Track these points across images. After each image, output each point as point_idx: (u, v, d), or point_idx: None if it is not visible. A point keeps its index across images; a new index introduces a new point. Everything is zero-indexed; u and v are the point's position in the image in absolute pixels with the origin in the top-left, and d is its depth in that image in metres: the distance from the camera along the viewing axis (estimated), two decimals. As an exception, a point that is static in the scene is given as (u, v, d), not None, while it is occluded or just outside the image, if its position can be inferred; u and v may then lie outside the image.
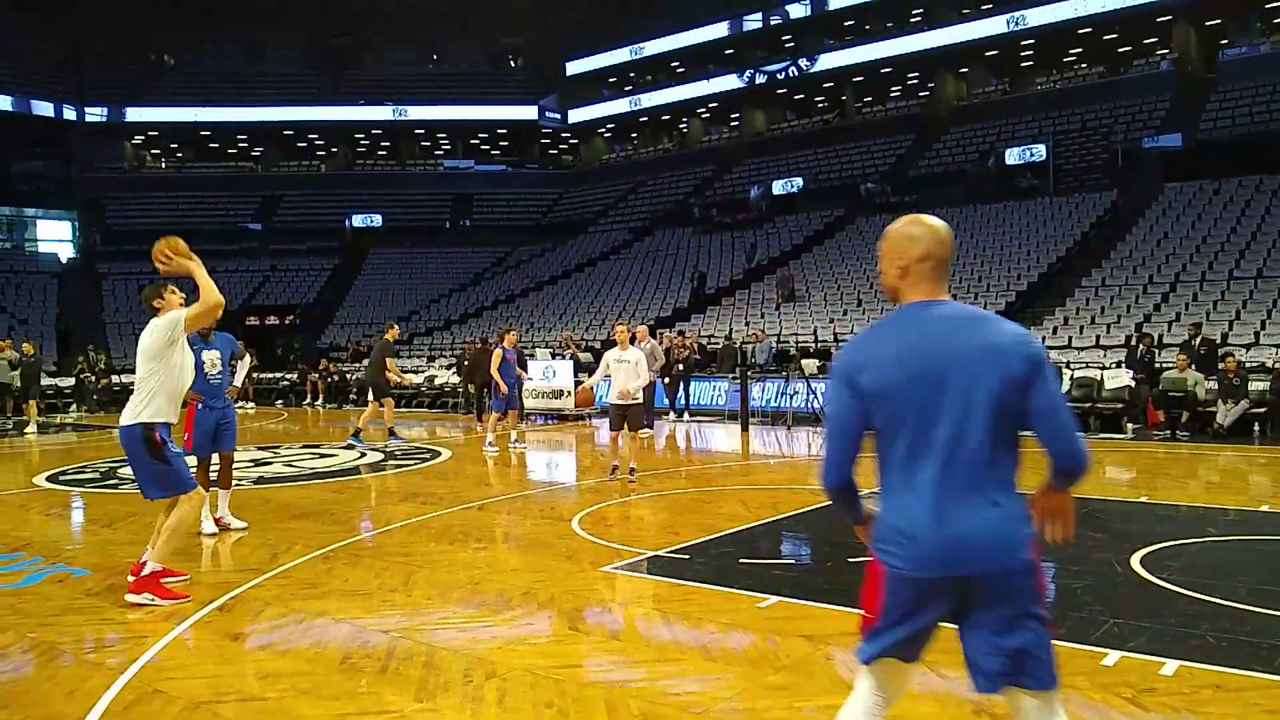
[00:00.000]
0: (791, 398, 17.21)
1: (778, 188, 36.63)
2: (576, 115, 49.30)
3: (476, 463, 12.78)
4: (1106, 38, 35.50)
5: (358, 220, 44.92)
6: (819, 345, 21.15)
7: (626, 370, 10.40)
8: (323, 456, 13.44)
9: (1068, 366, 15.77)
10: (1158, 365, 14.60)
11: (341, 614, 5.53)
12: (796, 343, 21.26)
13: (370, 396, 15.52)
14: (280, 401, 27.35)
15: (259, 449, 14.64)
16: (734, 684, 4.39)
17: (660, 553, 6.96)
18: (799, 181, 36.42)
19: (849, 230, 31.19)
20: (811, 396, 16.77)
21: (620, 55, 47.21)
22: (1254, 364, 14.25)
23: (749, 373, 17.76)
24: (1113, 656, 4.57)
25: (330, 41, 49.54)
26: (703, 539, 7.40)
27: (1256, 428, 13.27)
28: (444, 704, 4.19)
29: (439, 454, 13.60)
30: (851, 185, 34.53)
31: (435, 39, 50.36)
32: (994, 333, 2.51)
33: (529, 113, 49.46)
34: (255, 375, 26.37)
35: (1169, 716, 3.95)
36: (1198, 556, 6.69)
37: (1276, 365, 13.26)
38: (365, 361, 26.60)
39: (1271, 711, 3.95)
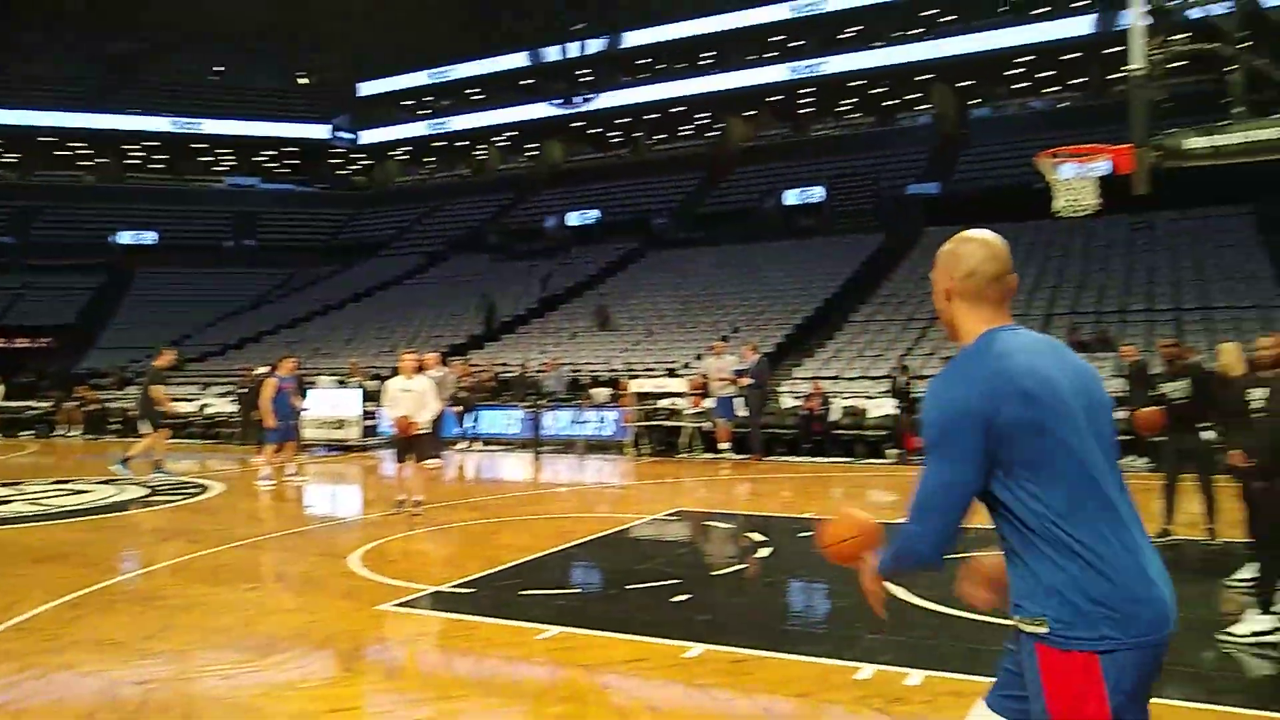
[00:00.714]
0: (583, 426, 17.40)
1: (574, 219, 37.09)
2: (369, 136, 48.10)
3: (250, 498, 12.12)
4: (873, 92, 38.41)
5: (127, 236, 41.73)
6: (611, 374, 21.51)
7: (412, 399, 10.18)
8: (76, 493, 12.34)
9: (838, 396, 16.81)
10: (914, 395, 15.82)
11: (88, 667, 5.10)
12: (591, 372, 21.54)
13: (141, 427, 14.32)
14: (28, 433, 24.87)
15: (-1, 486, 13.26)
16: (511, 718, 4.39)
17: (443, 588, 6.85)
18: (595, 214, 37.03)
19: (642, 263, 31.98)
20: (602, 425, 17.03)
21: (418, 79, 46.56)
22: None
23: (541, 402, 17.82)
24: (866, 670, 4.89)
25: (106, 45, 45.97)
26: (488, 571, 7.34)
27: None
28: (200, 758, 3.95)
29: (208, 488, 12.80)
30: (644, 219, 35.47)
31: (223, 51, 47.82)
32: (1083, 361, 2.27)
33: (320, 132, 47.80)
34: (-1, 403, 23.89)
35: (912, 724, 4.28)
36: (944, 573, 7.25)
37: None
38: (132, 389, 24.64)
39: (999, 714, 4.35)
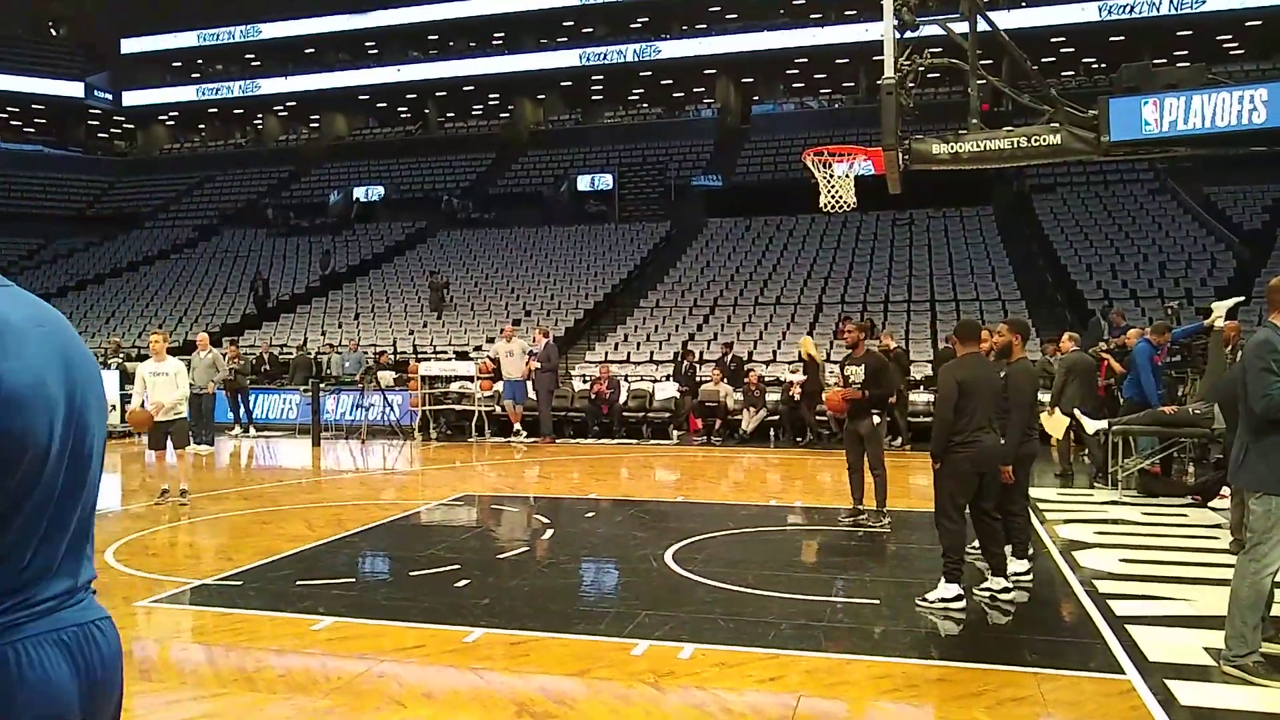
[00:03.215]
0: (367, 410, 16.91)
1: (359, 194, 35.77)
2: (133, 98, 44.27)
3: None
4: (663, 83, 39.32)
5: None
6: (398, 357, 20.98)
7: (164, 383, 9.56)
8: None
9: (625, 380, 17.18)
10: (698, 379, 16.44)
11: None
12: (376, 354, 20.93)
13: None
14: None
15: None
16: (280, 713, 4.26)
17: (209, 581, 6.52)
18: (380, 190, 35.87)
19: (430, 243, 31.31)
20: (388, 409, 16.60)
21: (187, 39, 43.26)
22: (771, 378, 16.57)
23: (323, 385, 17.16)
24: (641, 646, 5.09)
25: None
26: (259, 562, 7.05)
27: (772, 433, 15.45)
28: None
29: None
30: (434, 198, 34.73)
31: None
32: None
33: (74, 89, 43.49)
34: None
35: (683, 694, 4.50)
36: (719, 548, 7.64)
37: (787, 380, 15.54)
38: None
39: (762, 680, 4.66)
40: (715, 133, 36.36)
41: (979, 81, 7.33)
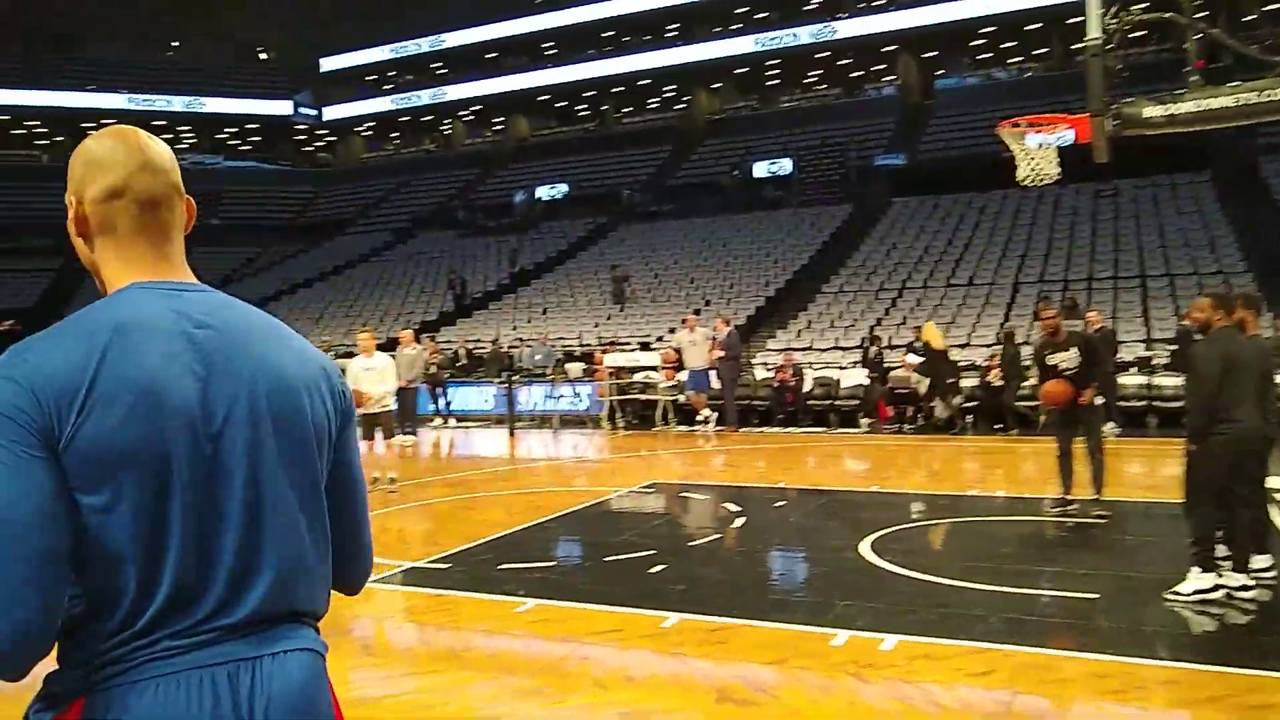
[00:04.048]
0: (557, 401, 17.40)
1: (542, 193, 36.86)
2: (333, 112, 47.40)
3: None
4: (840, 63, 38.37)
5: (84, 217, 41.01)
6: (584, 349, 21.48)
7: (372, 378, 10.16)
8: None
9: (810, 367, 16.90)
10: (887, 365, 15.96)
11: None
12: (563, 347, 21.52)
13: None
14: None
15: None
16: (489, 692, 4.42)
17: (419, 563, 6.86)
18: (564, 188, 36.82)
19: (611, 237, 31.88)
20: (577, 399, 17.03)
21: (380, 53, 45.88)
22: (966, 363, 15.87)
23: (515, 377, 17.79)
24: (841, 636, 4.97)
25: (49, 23, 44.85)
26: (464, 547, 7.35)
27: (969, 419, 14.78)
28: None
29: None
30: (613, 193, 35.32)
31: (172, 28, 46.81)
32: None
33: (282, 108, 47.02)
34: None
35: (887, 686, 4.36)
36: (917, 539, 7.39)
37: (984, 364, 14.83)
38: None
39: (973, 674, 4.45)
40: (897, 110, 35.17)
41: (1196, 35, 6.72)
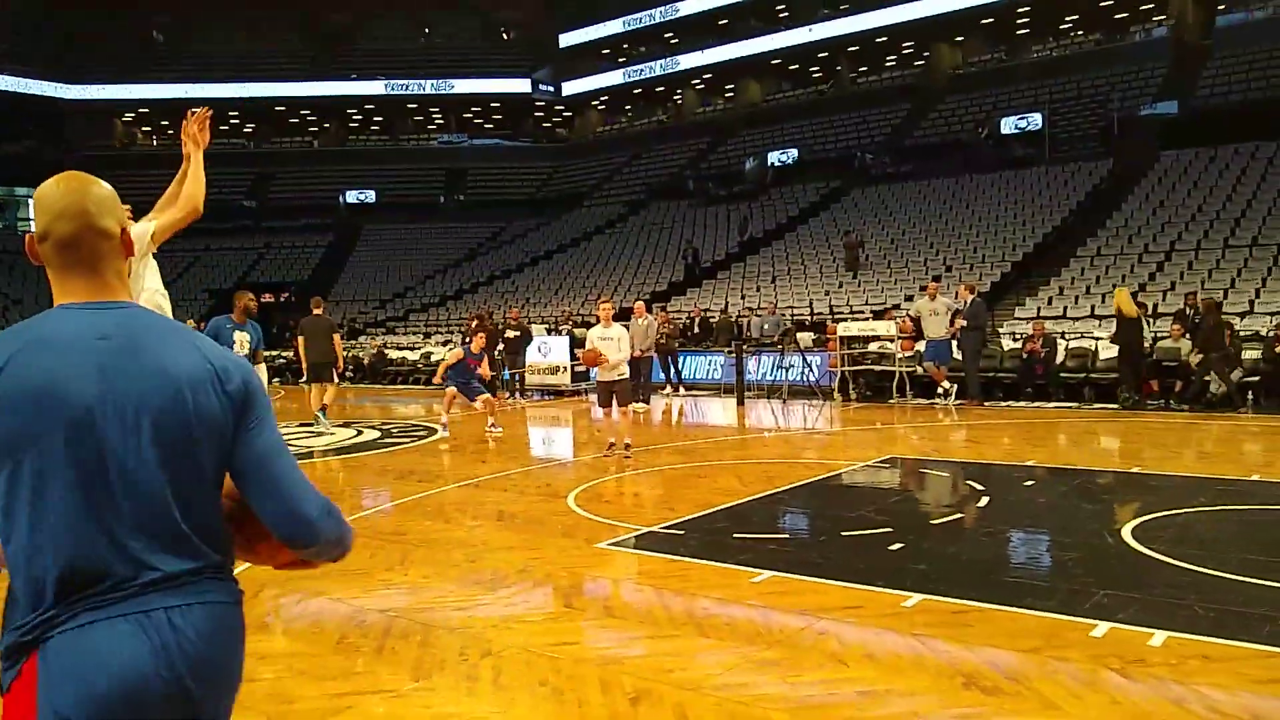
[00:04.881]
0: (787, 371, 17.23)
1: (773, 159, 36.45)
2: (570, 88, 48.97)
3: (472, 440, 12.80)
4: (1103, 5, 35.25)
5: (351, 196, 44.78)
6: (815, 318, 21.14)
7: (609, 347, 10.47)
8: (318, 435, 13.46)
9: (1063, 337, 15.79)
10: (1157, 336, 14.62)
11: (338, 594, 5.56)
12: (793, 316, 21.27)
13: (319, 377, 14.04)
14: (276, 380, 27.32)
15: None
16: (727, 660, 4.43)
17: (655, 528, 7.00)
18: (794, 153, 36.24)
19: (845, 202, 31.09)
20: (807, 369, 16.78)
21: (613, 27, 46.82)
22: (1249, 333, 14.27)
23: (745, 346, 17.78)
24: (1102, 627, 4.61)
25: (323, 17, 49.07)
26: (697, 514, 7.43)
27: (1250, 396, 13.31)
28: (440, 683, 4.22)
29: (434, 432, 13.62)
30: (847, 156, 34.37)
31: (427, 13, 49.92)
32: None
33: (522, 85, 49.10)
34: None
35: (1156, 686, 4.00)
36: (1188, 527, 6.73)
37: (1270, 334, 13.28)
38: (363, 339, 26.52)
39: (1259, 681, 4.00)
40: (1168, 54, 31.89)
41: None
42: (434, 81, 48.56)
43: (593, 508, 7.81)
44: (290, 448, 2.09)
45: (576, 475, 9.67)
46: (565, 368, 19.12)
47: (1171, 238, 20.31)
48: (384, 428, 14.12)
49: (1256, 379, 13.20)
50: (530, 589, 5.61)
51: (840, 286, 23.40)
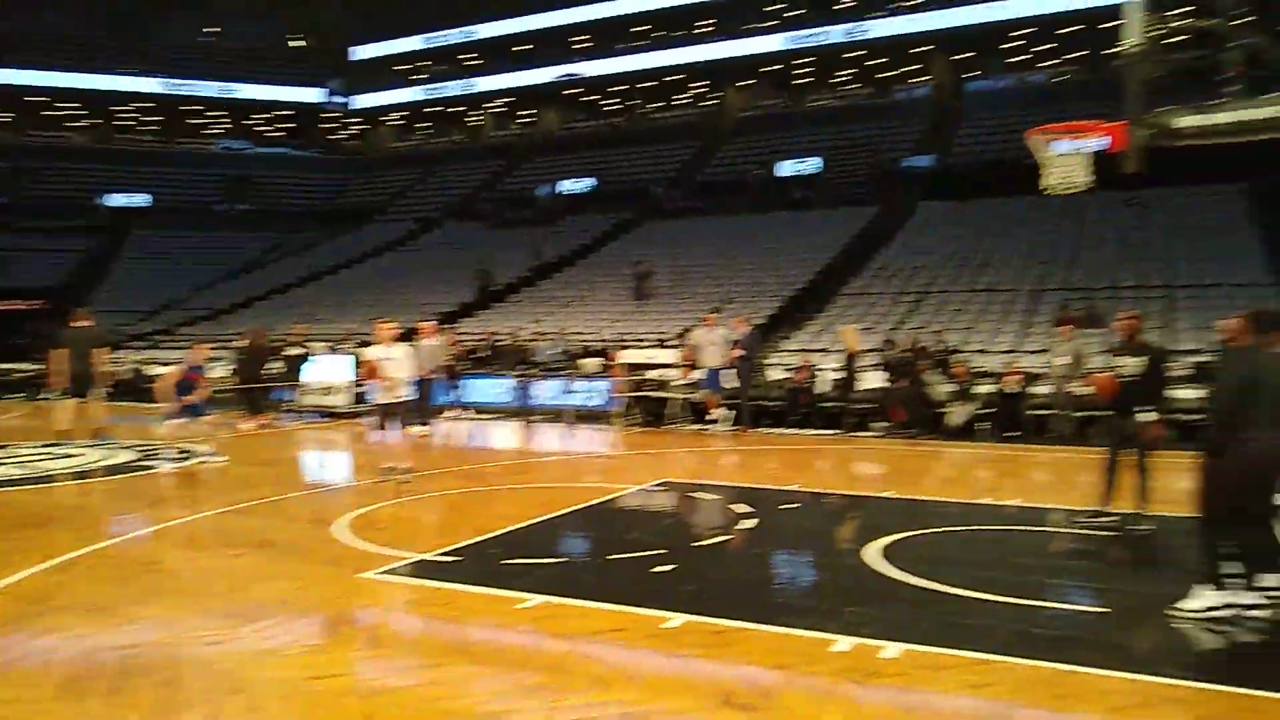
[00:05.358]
0: (572, 396, 17.42)
1: (567, 187, 36.90)
2: (363, 100, 47.71)
3: (240, 463, 12.13)
4: (873, 62, 38.18)
5: (119, 198, 41.49)
6: (602, 345, 21.49)
7: (391, 367, 10.23)
8: (65, 456, 12.35)
9: (827, 369, 16.81)
10: (904, 369, 15.83)
11: (74, 631, 5.14)
12: (581, 342, 21.54)
13: (81, 392, 13.25)
14: (16, 395, 24.80)
15: (-12, 448, 13.26)
16: (494, 686, 4.44)
17: (428, 555, 6.90)
18: (589, 182, 36.84)
19: (637, 233, 31.87)
20: (591, 395, 17.04)
21: (412, 43, 46.08)
22: (984, 369, 15.75)
23: (531, 371, 17.84)
24: (844, 643, 4.96)
25: (104, 3, 45.29)
26: (473, 540, 7.39)
27: (984, 426, 14.68)
28: (182, 722, 3.99)
29: (198, 453, 12.80)
30: (640, 188, 35.30)
31: (217, 12, 47.21)
32: None
33: (313, 95, 47.36)
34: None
35: (889, 695, 4.35)
36: (926, 547, 7.33)
37: (1001, 370, 14.71)
38: (128, 352, 24.53)
39: (976, 685, 4.43)
40: (928, 112, 34.98)
41: (1234, 44, 6.62)
42: (219, 84, 45.96)
43: (365, 535, 7.60)
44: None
45: (350, 501, 9.37)
46: (345, 388, 18.48)
47: (926, 281, 22.14)
48: (141, 449, 13.13)
49: (993, 411, 14.57)
50: (291, 620, 5.39)
51: (627, 315, 23.94)
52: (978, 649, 4.86)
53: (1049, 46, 35.15)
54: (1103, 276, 20.33)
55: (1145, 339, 8.18)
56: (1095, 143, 8.59)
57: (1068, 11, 32.37)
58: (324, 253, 37.47)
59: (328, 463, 13.46)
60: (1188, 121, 6.61)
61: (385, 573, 6.44)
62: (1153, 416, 7.82)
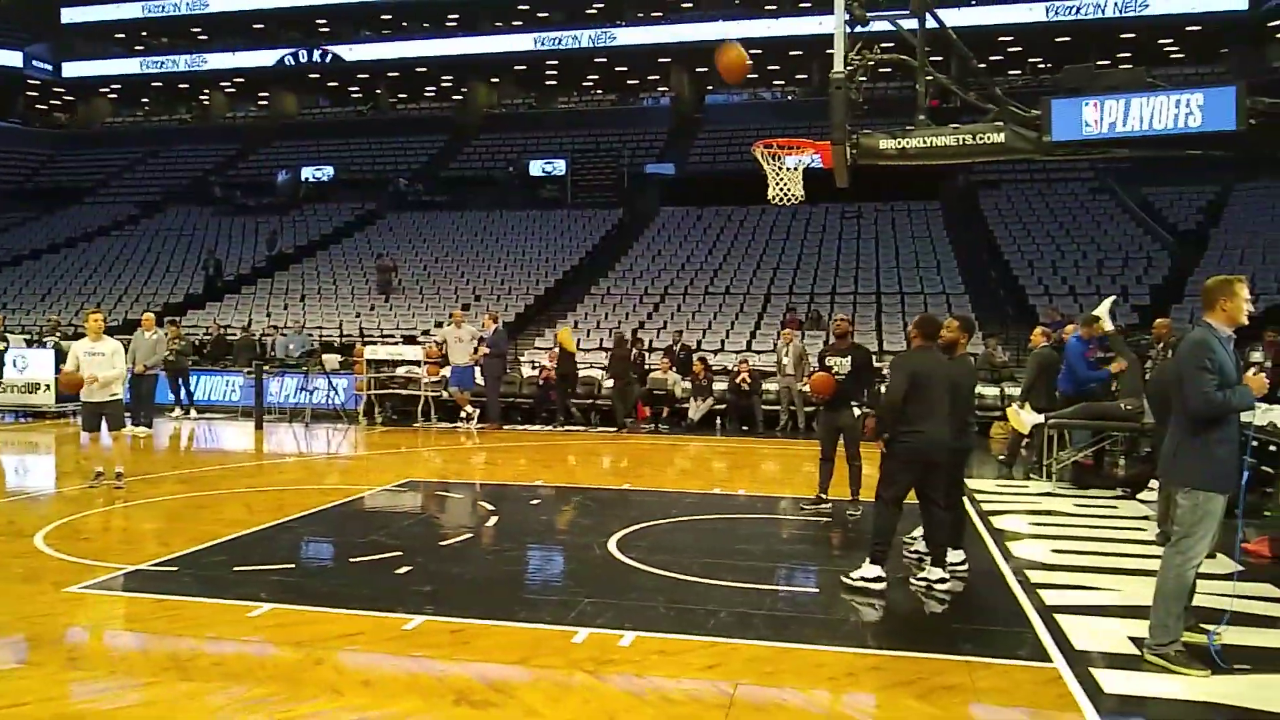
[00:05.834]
0: (311, 394, 16.68)
1: (308, 174, 35.18)
2: (74, 69, 43.03)
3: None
4: (619, 69, 39.20)
5: None
6: (344, 340, 20.72)
7: (100, 363, 9.39)
8: None
9: (577, 367, 17.13)
10: (646, 367, 16.47)
11: None
12: (321, 336, 20.66)
13: None
14: None
15: None
16: (213, 702, 4.20)
17: (143, 566, 6.40)
18: (330, 170, 35.31)
19: (379, 225, 30.93)
20: (333, 392, 16.39)
21: (130, 10, 42.05)
22: (719, 367, 16.66)
23: (266, 366, 16.90)
24: (582, 633, 5.11)
25: None
26: (196, 548, 6.93)
27: (719, 421, 15.54)
28: None
29: None
30: (384, 179, 34.28)
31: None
32: None
33: (13, 59, 42.13)
34: None
35: (621, 682, 4.53)
36: (662, 536, 7.68)
37: (734, 369, 15.64)
38: None
39: (703, 668, 4.70)
40: (669, 121, 36.42)
41: (927, 78, 7.40)
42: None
43: (68, 547, 6.93)
44: None
45: (52, 510, 8.50)
46: (48, 385, 16.68)
47: (666, 282, 23.06)
48: None
49: (724, 407, 15.44)
50: (-24, 645, 4.84)
51: (372, 309, 23.22)
52: (706, 633, 5.16)
53: (778, 67, 37.57)
54: (824, 282, 22.01)
55: (854, 341, 8.97)
56: (809, 159, 9.32)
57: (795, 36, 34.67)
58: (29, 234, 33.56)
59: (27, 467, 12.12)
60: (885, 144, 7.30)
61: (92, 586, 5.91)
62: (859, 412, 8.63)
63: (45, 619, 5.33)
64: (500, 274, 24.98)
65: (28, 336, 19.92)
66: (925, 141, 7.12)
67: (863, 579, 6.01)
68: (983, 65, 8.28)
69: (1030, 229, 24.24)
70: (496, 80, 40.17)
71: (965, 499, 7.25)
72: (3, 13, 43.49)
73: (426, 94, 42.29)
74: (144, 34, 43.16)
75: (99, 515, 8.30)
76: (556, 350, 16.09)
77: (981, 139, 7.24)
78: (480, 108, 39.66)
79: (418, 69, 40.00)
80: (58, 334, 19.77)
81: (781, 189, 8.31)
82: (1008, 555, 7.03)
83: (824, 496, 8.71)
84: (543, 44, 37.86)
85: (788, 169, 8.82)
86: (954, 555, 6.48)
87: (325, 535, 7.87)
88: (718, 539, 7.84)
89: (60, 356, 16.13)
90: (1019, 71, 35.00)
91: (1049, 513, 8.72)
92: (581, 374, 16.64)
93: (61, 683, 4.42)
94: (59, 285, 27.63)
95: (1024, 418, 10.38)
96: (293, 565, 6.77)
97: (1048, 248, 22.85)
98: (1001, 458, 11.54)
